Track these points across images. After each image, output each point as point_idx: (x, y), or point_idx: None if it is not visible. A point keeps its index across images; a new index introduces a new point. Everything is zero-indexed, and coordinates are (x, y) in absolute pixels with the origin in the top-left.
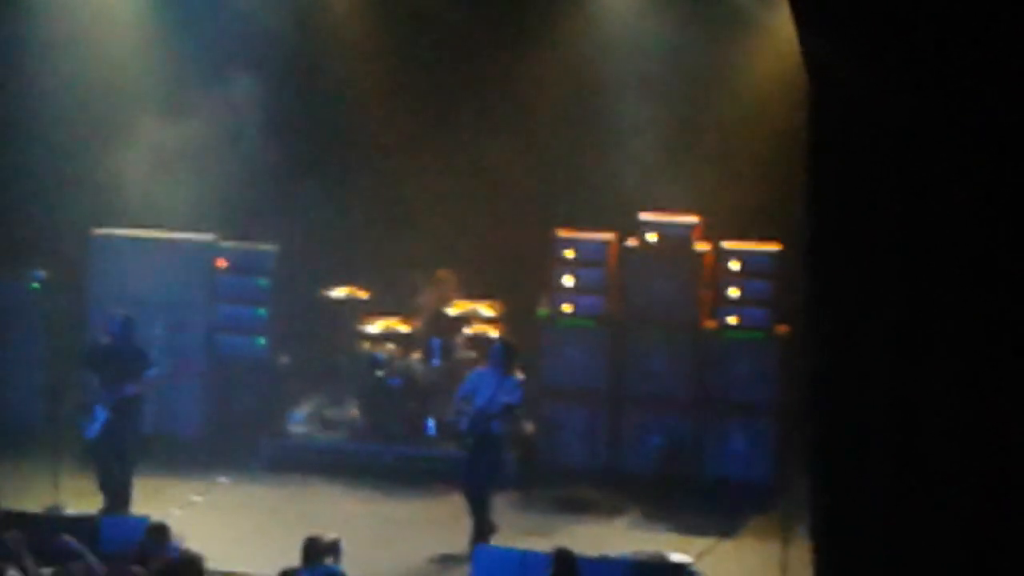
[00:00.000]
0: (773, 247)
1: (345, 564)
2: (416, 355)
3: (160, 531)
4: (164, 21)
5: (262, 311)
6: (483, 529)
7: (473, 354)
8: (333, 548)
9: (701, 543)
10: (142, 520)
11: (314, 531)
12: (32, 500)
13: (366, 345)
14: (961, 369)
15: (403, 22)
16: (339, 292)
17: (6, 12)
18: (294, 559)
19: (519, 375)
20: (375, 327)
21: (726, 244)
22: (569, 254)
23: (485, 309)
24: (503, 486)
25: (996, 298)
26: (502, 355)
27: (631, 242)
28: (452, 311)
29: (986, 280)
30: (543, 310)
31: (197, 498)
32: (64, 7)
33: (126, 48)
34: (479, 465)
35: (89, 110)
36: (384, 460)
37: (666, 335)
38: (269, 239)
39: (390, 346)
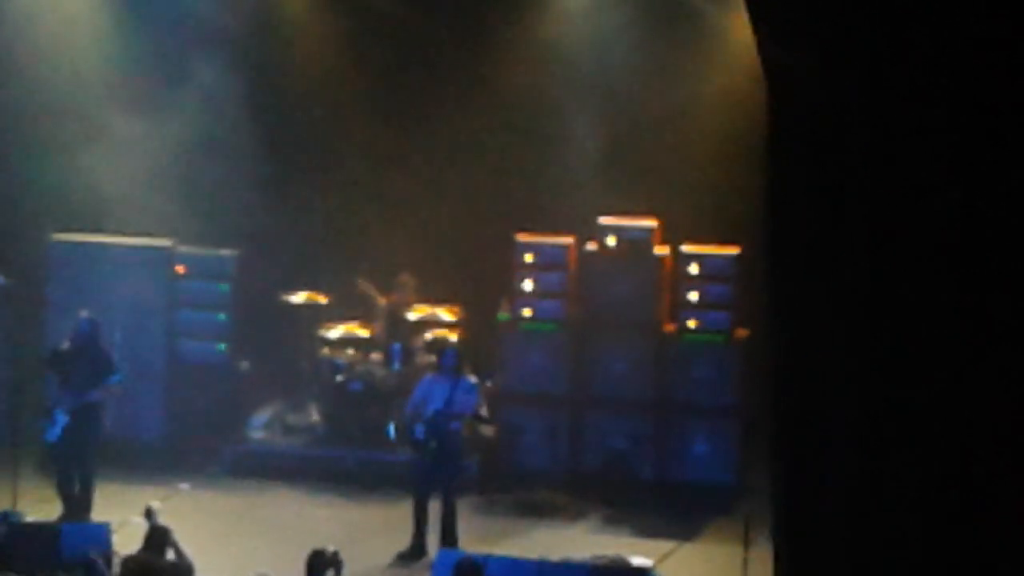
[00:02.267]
0: (732, 250)
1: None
2: (376, 359)
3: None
4: (123, 25)
5: (222, 316)
6: (451, 535)
7: (433, 358)
8: (335, 561)
9: (662, 546)
10: (103, 527)
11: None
12: None
13: (326, 350)
14: (923, 370)
15: (361, 27)
16: (299, 297)
17: None
18: (255, 565)
19: (472, 378)
20: (335, 332)
21: (685, 247)
22: (529, 258)
23: (445, 313)
24: (464, 490)
25: (960, 298)
26: (454, 360)
27: (591, 246)
28: (412, 315)
29: (949, 279)
30: (503, 314)
31: (157, 504)
32: (21, 11)
33: (85, 53)
34: (438, 472)
35: (48, 114)
36: (345, 465)
37: (626, 338)
38: (229, 244)
39: (350, 351)
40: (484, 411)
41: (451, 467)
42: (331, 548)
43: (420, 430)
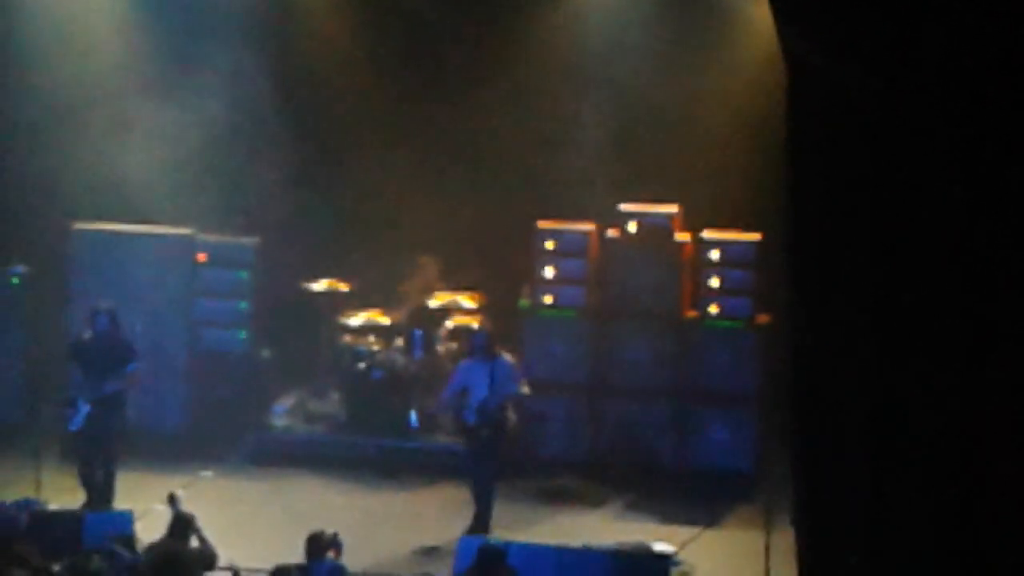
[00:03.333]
0: (754, 236)
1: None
2: (398, 347)
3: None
4: (145, 15)
5: (243, 304)
6: (485, 521)
7: (455, 346)
8: (335, 543)
9: (684, 532)
10: (126, 514)
11: (309, 526)
12: (13, 495)
13: (348, 338)
14: (940, 358)
15: (383, 17)
16: (320, 285)
17: None
18: (277, 552)
19: (507, 356)
20: (357, 320)
21: (706, 233)
22: (550, 245)
23: (466, 300)
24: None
25: (975, 288)
26: (485, 342)
27: (612, 232)
28: (434, 303)
29: (965, 270)
30: (524, 301)
31: (180, 491)
32: (45, 3)
33: (102, 43)
34: (489, 456)
35: (68, 104)
36: (367, 453)
37: (647, 325)
38: (250, 232)
39: (372, 339)
40: (526, 388)
41: (496, 455)
42: (330, 530)
43: (470, 416)
